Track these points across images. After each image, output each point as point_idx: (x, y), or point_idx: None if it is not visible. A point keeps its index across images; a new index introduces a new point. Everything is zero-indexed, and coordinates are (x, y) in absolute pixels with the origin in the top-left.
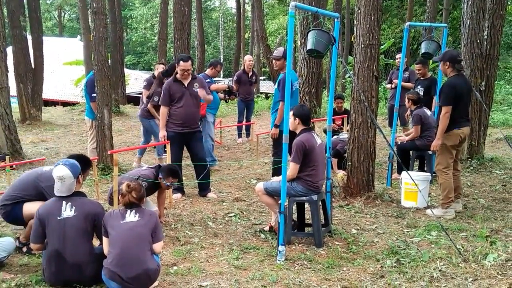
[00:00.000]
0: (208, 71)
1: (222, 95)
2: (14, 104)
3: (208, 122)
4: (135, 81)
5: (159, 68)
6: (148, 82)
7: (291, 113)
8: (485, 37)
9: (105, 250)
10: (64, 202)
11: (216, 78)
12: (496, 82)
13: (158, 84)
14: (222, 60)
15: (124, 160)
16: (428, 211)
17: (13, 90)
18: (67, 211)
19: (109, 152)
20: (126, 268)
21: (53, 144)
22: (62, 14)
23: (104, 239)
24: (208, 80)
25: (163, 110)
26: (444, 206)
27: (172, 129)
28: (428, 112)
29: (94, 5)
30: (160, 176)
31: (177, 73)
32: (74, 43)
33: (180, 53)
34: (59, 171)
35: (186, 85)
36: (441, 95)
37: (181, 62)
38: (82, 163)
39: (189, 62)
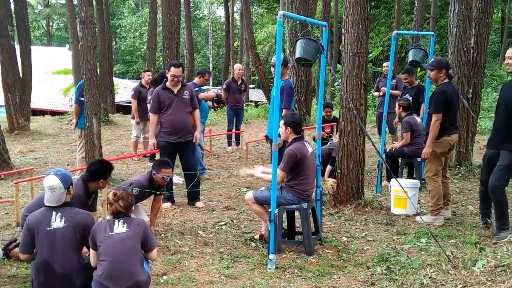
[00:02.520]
0: (196, 80)
1: (210, 104)
2: (2, 114)
3: None
4: (124, 90)
5: (145, 76)
6: (135, 92)
7: (282, 122)
8: (472, 45)
9: (93, 262)
10: (54, 213)
11: (205, 87)
12: (483, 90)
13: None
14: (211, 68)
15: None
16: (418, 218)
17: (0, 100)
18: (57, 221)
19: None
20: (117, 280)
21: (41, 153)
22: (50, 23)
23: (92, 251)
24: (196, 88)
25: (153, 117)
26: (433, 213)
27: (164, 139)
28: (418, 119)
29: (83, 14)
30: (154, 172)
31: (166, 80)
32: (63, 52)
33: (169, 62)
34: (49, 181)
35: (175, 92)
36: (432, 102)
37: (172, 68)
38: (105, 169)
39: (180, 68)
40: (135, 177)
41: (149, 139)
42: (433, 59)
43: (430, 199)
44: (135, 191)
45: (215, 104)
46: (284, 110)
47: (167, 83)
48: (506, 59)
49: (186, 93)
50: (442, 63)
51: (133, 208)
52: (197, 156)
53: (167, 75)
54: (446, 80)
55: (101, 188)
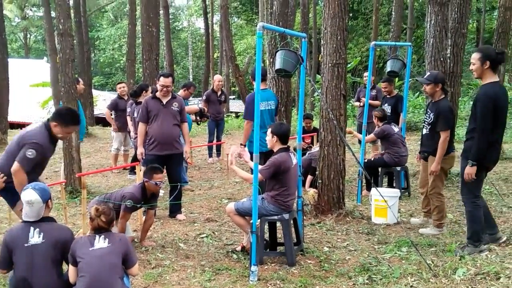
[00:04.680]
0: (180, 92)
1: (193, 117)
2: None
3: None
4: (104, 102)
5: (118, 89)
6: (112, 103)
7: (269, 130)
8: (448, 55)
9: (71, 279)
10: (32, 228)
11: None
12: (460, 99)
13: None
14: (191, 79)
15: (93, 182)
16: (423, 230)
17: None
18: (35, 237)
19: (77, 175)
20: None
21: None
22: (28, 36)
23: (71, 268)
24: None
25: (141, 126)
26: (440, 226)
27: (152, 152)
28: (395, 129)
29: (61, 26)
30: (146, 180)
31: (157, 90)
32: (41, 64)
33: (148, 74)
34: (28, 196)
35: (164, 103)
36: (441, 119)
37: (162, 78)
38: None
39: (170, 78)
40: (127, 190)
41: (138, 148)
42: (429, 73)
43: (435, 213)
44: (128, 203)
45: (198, 118)
46: (245, 122)
47: (157, 93)
48: (471, 65)
49: (175, 104)
50: (438, 78)
51: (115, 222)
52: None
53: (157, 85)
54: (443, 96)
55: (62, 138)
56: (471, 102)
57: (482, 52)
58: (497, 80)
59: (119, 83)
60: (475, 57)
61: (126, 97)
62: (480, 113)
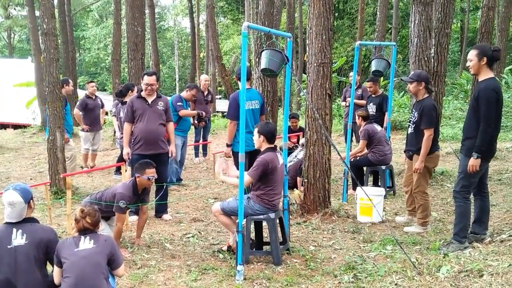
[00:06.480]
0: (183, 93)
1: (191, 121)
2: None
3: (176, 145)
4: None
5: (88, 88)
6: (80, 103)
7: (256, 130)
8: (432, 54)
9: (56, 280)
10: (14, 229)
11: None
12: (444, 98)
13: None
14: (177, 79)
15: (77, 183)
16: (407, 229)
17: None
18: (18, 238)
19: (61, 176)
20: None
21: (3, 168)
22: (12, 35)
23: (56, 269)
24: (179, 103)
25: (127, 126)
26: (424, 224)
27: (138, 152)
28: (378, 128)
29: (45, 26)
30: (138, 175)
31: (141, 90)
32: (25, 64)
33: (134, 73)
34: (9, 197)
35: (149, 102)
36: (424, 117)
37: (146, 77)
38: None
39: (154, 77)
40: (118, 189)
41: (124, 148)
42: (412, 72)
43: (420, 212)
44: (121, 204)
45: (196, 121)
46: (229, 121)
47: (142, 93)
48: (468, 61)
49: (161, 104)
50: (421, 76)
51: (101, 224)
52: (171, 170)
53: (141, 84)
54: (427, 95)
55: None
56: (456, 101)
57: (479, 49)
58: (494, 76)
59: (89, 82)
60: (472, 53)
61: (94, 97)
62: (485, 105)
